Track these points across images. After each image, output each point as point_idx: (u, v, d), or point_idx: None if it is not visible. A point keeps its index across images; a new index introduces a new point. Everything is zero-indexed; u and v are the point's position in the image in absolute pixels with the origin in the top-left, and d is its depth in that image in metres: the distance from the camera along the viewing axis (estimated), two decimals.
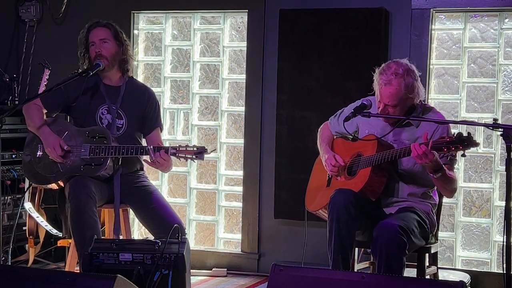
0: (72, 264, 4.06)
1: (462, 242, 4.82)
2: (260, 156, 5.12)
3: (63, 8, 5.55)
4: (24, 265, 4.97)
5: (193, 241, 5.36)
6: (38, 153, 4.08)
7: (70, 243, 4.22)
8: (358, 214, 3.58)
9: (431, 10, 4.74)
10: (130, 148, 3.93)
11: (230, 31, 5.32)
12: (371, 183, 3.67)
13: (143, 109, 4.21)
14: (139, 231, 5.43)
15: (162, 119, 4.42)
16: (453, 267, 4.77)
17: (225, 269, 5.13)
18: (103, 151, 3.93)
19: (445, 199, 4.01)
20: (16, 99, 5.34)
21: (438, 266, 3.99)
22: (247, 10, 5.16)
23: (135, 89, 4.23)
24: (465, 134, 3.32)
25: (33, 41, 5.62)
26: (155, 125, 4.25)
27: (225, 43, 5.32)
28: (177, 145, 3.90)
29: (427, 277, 3.79)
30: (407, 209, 3.70)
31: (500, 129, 3.21)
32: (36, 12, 5.59)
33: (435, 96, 4.85)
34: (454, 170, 3.73)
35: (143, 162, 4.23)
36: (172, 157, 3.91)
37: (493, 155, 4.74)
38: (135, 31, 5.42)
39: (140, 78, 5.37)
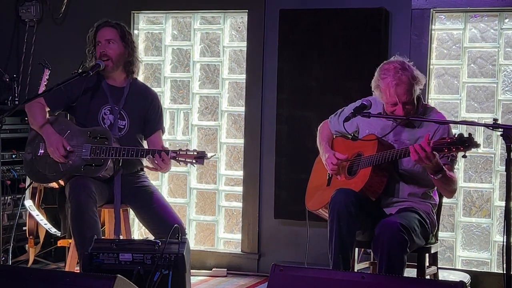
0: (72, 264, 4.06)
1: (462, 242, 4.82)
2: (260, 156, 5.12)
3: (63, 8, 5.55)
4: (24, 265, 4.96)
5: (193, 241, 5.36)
6: (40, 151, 4.08)
7: (70, 243, 4.22)
8: (358, 214, 3.58)
9: (431, 10, 4.74)
10: (131, 150, 3.92)
11: (230, 31, 5.32)
12: (371, 183, 3.67)
13: (145, 111, 4.20)
14: (139, 231, 5.43)
15: (164, 122, 4.41)
16: (453, 267, 4.77)
17: (225, 269, 5.13)
18: (104, 152, 3.93)
19: (445, 199, 4.01)
20: (16, 99, 5.34)
21: (438, 266, 3.99)
22: (247, 10, 5.16)
23: (138, 90, 4.23)
24: (465, 135, 3.32)
25: (33, 41, 5.62)
26: (156, 127, 4.24)
27: (225, 43, 5.32)
28: (178, 149, 3.90)
29: (427, 277, 3.79)
30: (408, 209, 3.70)
31: (500, 129, 3.22)
32: (36, 12, 5.59)
33: (435, 96, 4.85)
34: (454, 171, 3.73)
35: (143, 163, 4.23)
36: (172, 160, 3.91)
37: (493, 155, 4.74)
38: (135, 31, 5.41)
39: (140, 78, 5.31)
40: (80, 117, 4.16)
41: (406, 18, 4.77)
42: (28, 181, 4.77)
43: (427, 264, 3.82)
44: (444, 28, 4.84)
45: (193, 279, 4.64)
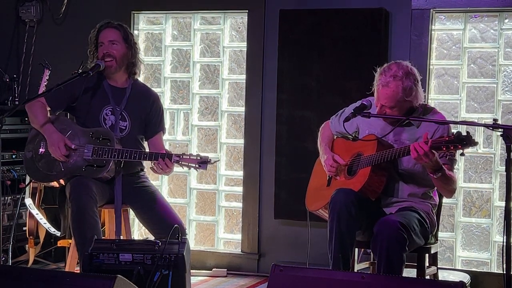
0: (72, 264, 4.06)
1: (462, 242, 4.82)
2: (260, 156, 5.12)
3: (63, 8, 5.55)
4: (24, 265, 4.96)
5: (193, 242, 5.36)
6: (40, 150, 4.07)
7: (70, 243, 4.23)
8: (359, 214, 3.58)
9: (431, 10, 4.74)
10: (134, 152, 3.92)
11: (230, 31, 5.32)
12: (370, 183, 3.67)
13: (147, 112, 4.20)
14: (139, 231, 5.43)
15: (165, 123, 4.41)
16: (453, 268, 4.77)
17: (225, 270, 5.13)
18: (106, 153, 3.93)
19: (445, 199, 4.01)
20: (16, 99, 5.34)
21: (438, 266, 3.99)
22: (247, 11, 5.16)
23: (140, 91, 4.23)
24: (464, 133, 3.32)
25: (33, 41, 5.62)
26: (158, 129, 4.24)
27: (225, 44, 5.32)
28: (181, 153, 3.90)
29: (427, 277, 3.79)
30: (407, 208, 3.70)
31: (500, 130, 3.22)
32: (36, 12, 5.59)
33: (435, 97, 4.85)
34: (454, 170, 3.74)
35: (144, 164, 4.23)
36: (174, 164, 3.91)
37: (493, 156, 4.74)
38: (135, 32, 5.41)
39: (140, 78, 5.30)
40: (81, 117, 4.16)
41: (406, 18, 4.77)
42: (28, 180, 4.77)
43: (427, 264, 3.82)
44: (444, 28, 4.84)
45: (193, 279, 4.65)
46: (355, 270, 3.82)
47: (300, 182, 4.49)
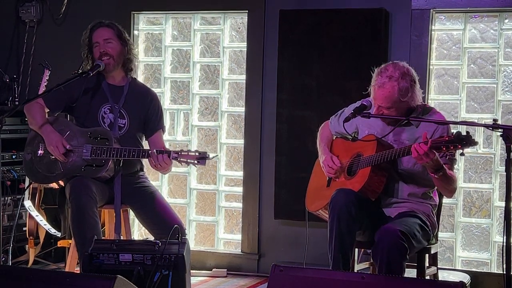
0: (72, 265, 4.06)
1: (462, 242, 4.82)
2: (260, 156, 5.12)
3: (63, 9, 5.55)
4: (24, 265, 4.96)
5: (193, 242, 5.36)
6: (39, 151, 4.08)
7: (70, 243, 4.22)
8: (359, 214, 3.58)
9: (431, 10, 4.74)
10: (132, 150, 3.92)
11: (230, 31, 5.33)
12: (370, 183, 3.67)
13: (145, 110, 4.21)
14: (139, 231, 5.43)
15: (164, 121, 4.42)
16: (453, 268, 4.77)
17: (225, 270, 5.13)
18: (104, 153, 3.93)
19: (445, 200, 4.01)
20: (16, 99, 5.34)
21: (438, 266, 3.99)
22: (247, 11, 5.16)
23: (138, 90, 4.24)
24: (464, 133, 3.32)
25: (33, 41, 5.62)
26: (157, 127, 4.24)
27: (225, 44, 5.32)
28: (179, 150, 3.90)
29: (427, 277, 3.79)
30: (408, 214, 3.69)
31: (500, 130, 3.21)
32: (36, 12, 5.59)
33: (435, 97, 4.85)
34: (454, 171, 3.73)
35: (143, 163, 4.23)
36: (173, 161, 3.91)
37: (493, 156, 4.74)
38: (135, 32, 5.42)
39: (140, 78, 5.36)
40: (80, 117, 4.16)
41: (406, 18, 4.77)
42: (27, 181, 4.77)
43: (427, 264, 3.82)
44: (444, 28, 4.84)
45: (193, 280, 4.65)
46: (355, 270, 3.82)
47: (300, 182, 4.49)
